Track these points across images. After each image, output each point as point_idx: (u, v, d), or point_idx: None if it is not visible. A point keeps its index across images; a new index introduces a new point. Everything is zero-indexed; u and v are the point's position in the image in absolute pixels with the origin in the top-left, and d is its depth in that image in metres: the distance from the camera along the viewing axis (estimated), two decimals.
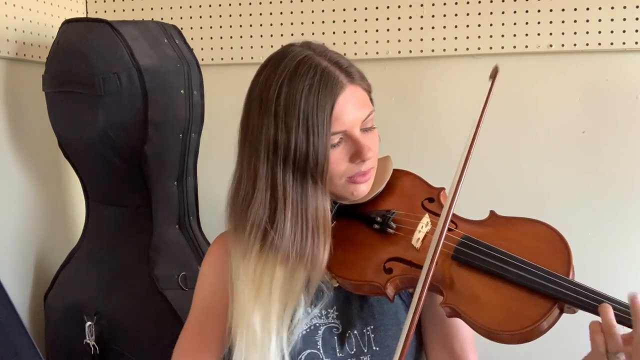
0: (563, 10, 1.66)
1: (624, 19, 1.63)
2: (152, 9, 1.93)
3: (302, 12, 1.83)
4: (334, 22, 1.81)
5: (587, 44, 1.66)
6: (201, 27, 1.90)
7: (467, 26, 1.72)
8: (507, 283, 0.90)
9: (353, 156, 0.98)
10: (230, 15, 1.88)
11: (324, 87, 0.94)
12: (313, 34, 1.80)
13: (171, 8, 1.92)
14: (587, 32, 1.65)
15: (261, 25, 1.86)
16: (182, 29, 1.73)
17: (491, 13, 1.70)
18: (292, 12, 1.84)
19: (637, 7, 1.62)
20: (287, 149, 0.94)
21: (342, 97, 0.95)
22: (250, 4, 1.86)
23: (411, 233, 0.99)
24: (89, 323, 1.57)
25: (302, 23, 1.83)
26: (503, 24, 1.70)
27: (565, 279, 0.88)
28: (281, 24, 1.85)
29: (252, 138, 0.97)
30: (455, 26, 1.73)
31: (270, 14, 1.85)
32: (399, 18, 1.77)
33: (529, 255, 0.92)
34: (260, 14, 1.86)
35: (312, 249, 0.96)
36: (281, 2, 1.84)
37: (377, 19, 1.78)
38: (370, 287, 0.98)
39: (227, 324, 1.02)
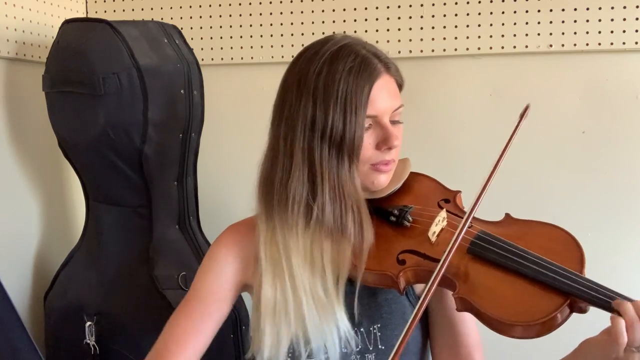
0: (563, 10, 1.66)
1: (624, 19, 1.62)
2: (152, 9, 1.93)
3: (302, 12, 1.83)
4: (334, 22, 1.81)
5: (587, 44, 1.65)
6: (201, 27, 1.90)
7: (467, 26, 1.72)
8: (521, 277, 0.91)
9: (380, 143, 1.00)
10: (230, 15, 1.88)
11: (363, 71, 0.97)
12: (313, 34, 1.79)
13: (171, 8, 1.92)
14: (587, 32, 1.65)
15: (261, 25, 1.86)
16: (182, 29, 1.73)
17: (491, 13, 1.70)
18: (292, 12, 1.84)
19: (637, 7, 1.62)
20: (324, 126, 0.97)
21: (379, 83, 0.99)
22: (250, 4, 1.86)
23: (427, 226, 1.00)
24: (89, 323, 1.57)
25: (302, 23, 1.83)
26: (503, 24, 1.70)
27: (579, 275, 0.88)
28: (281, 24, 1.85)
29: (288, 115, 1.00)
30: (455, 26, 1.73)
31: (270, 14, 1.85)
32: (399, 18, 1.76)
33: (543, 253, 0.93)
34: (260, 14, 1.86)
35: (353, 224, 0.99)
36: (281, 2, 1.84)
37: (377, 19, 1.78)
38: (382, 276, 0.98)
39: (224, 310, 1.08)
